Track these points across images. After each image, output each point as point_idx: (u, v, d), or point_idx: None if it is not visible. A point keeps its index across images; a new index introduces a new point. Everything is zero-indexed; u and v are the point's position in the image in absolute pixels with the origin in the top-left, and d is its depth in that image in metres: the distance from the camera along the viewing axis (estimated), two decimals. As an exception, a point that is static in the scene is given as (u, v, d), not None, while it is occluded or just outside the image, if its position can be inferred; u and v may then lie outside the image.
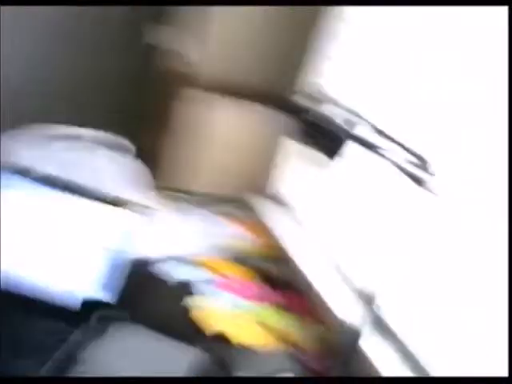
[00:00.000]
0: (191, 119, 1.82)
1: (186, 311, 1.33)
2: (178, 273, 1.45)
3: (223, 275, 1.48)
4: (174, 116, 1.86)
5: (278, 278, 1.55)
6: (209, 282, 1.45)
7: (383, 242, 1.30)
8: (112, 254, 1.21)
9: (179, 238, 1.60)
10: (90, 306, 1.18)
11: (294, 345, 1.30)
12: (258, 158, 1.90)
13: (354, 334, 1.16)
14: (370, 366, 1.21)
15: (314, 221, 1.70)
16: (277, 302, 1.44)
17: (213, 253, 1.58)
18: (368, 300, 1.16)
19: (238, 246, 1.64)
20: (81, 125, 1.51)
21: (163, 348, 1.14)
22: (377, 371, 1.20)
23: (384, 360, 1.24)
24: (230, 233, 1.69)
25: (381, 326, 1.31)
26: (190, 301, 1.36)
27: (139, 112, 2.04)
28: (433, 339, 1.20)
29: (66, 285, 1.19)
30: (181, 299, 1.36)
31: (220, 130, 1.83)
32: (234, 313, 1.37)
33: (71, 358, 1.04)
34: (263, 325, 1.34)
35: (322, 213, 1.68)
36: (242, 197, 1.90)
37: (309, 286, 1.47)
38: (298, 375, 1.20)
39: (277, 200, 1.90)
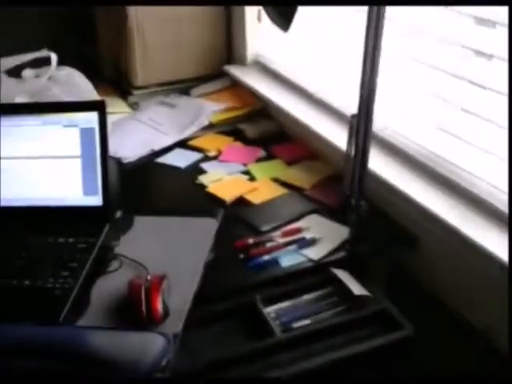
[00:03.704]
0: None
1: (202, 188, 1.39)
2: (181, 159, 1.54)
3: (219, 149, 1.57)
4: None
5: (267, 134, 1.65)
6: (211, 158, 1.55)
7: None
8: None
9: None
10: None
11: (303, 187, 1.38)
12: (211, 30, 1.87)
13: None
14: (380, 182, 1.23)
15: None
16: (276, 156, 1.53)
17: (203, 133, 1.66)
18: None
19: (223, 118, 1.71)
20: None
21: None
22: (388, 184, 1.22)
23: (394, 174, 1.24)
24: (214, 109, 1.71)
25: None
26: (202, 178, 1.43)
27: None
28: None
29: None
30: (193, 179, 1.43)
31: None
32: (243, 178, 1.45)
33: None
34: (272, 179, 1.43)
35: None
36: (223, 70, 1.88)
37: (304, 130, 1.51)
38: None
39: (258, 65, 1.86)
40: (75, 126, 1.14)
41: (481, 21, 1.11)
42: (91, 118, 1.14)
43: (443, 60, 1.16)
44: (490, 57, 1.09)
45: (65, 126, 1.15)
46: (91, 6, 1.91)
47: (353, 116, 1.09)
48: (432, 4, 1.03)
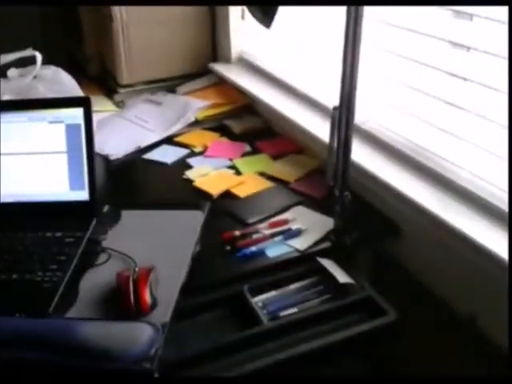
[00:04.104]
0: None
1: (188, 182, 1.40)
2: (168, 155, 1.55)
3: (206, 145, 1.59)
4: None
5: (253, 130, 1.67)
6: (197, 154, 1.56)
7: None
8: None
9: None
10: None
11: (289, 181, 1.40)
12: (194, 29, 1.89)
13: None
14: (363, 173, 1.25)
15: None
16: (262, 151, 1.55)
17: (189, 129, 1.67)
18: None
19: (208, 115, 1.72)
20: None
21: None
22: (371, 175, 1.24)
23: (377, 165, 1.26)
24: (200, 106, 1.72)
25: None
26: (189, 174, 1.44)
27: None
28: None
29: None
30: (180, 175, 1.44)
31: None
32: (229, 172, 1.46)
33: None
34: (258, 173, 1.44)
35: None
36: (209, 67, 1.89)
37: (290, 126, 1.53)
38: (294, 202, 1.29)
39: (243, 62, 1.88)
40: (61, 122, 1.16)
41: (458, 13, 1.13)
42: (77, 114, 1.15)
43: (422, 52, 1.19)
44: (468, 48, 1.12)
45: (50, 122, 1.16)
46: (79, 5, 1.91)
47: (335, 108, 1.10)
48: (431, 4, 1.03)
